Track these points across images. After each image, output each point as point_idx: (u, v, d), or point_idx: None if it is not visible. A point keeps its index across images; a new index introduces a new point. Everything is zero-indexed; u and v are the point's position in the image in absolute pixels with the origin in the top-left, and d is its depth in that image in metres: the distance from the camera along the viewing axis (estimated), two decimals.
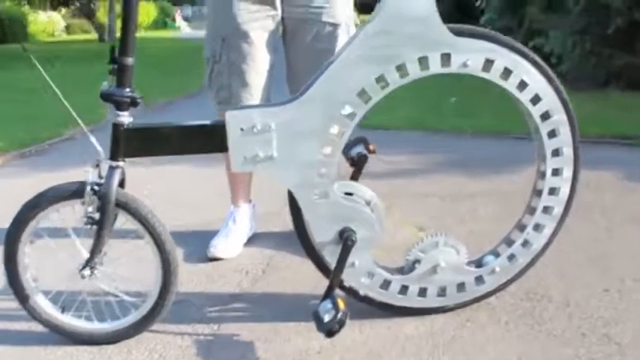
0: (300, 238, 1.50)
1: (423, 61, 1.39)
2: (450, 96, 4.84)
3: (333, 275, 1.46)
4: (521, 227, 1.59)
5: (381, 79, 1.39)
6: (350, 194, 1.49)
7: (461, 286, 1.57)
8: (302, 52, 1.92)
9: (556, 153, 1.52)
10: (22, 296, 1.43)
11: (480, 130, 3.83)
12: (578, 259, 1.89)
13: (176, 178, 2.89)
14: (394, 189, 2.60)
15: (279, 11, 1.89)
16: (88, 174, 1.34)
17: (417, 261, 1.54)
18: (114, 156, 1.36)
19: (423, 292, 1.56)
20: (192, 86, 6.18)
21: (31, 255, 1.42)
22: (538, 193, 1.56)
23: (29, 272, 1.43)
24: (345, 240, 1.44)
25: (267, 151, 1.39)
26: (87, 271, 1.40)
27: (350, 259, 1.49)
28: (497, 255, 1.59)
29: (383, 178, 2.73)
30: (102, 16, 17.10)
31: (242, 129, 1.37)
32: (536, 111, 1.47)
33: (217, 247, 1.97)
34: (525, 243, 1.58)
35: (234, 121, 1.37)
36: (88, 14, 17.56)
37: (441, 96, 4.88)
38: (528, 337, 1.49)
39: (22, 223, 1.39)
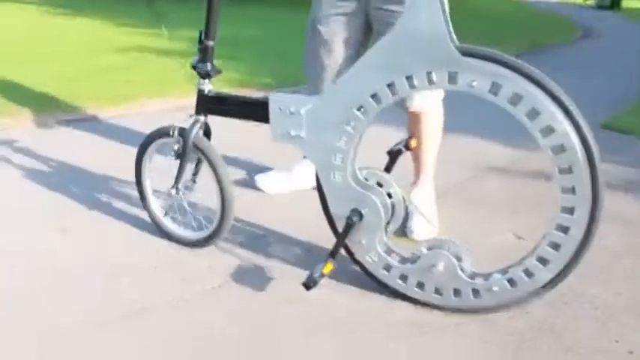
0: (322, 205, 1.76)
1: (430, 76, 1.48)
2: None
3: (335, 245, 1.70)
4: (533, 253, 1.56)
5: (391, 86, 1.53)
6: (380, 184, 1.68)
7: (457, 292, 1.64)
8: None
9: (570, 191, 1.45)
10: (142, 195, 2.04)
11: None
12: None
13: None
14: None
15: (365, 8, 2.06)
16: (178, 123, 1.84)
17: (419, 256, 1.67)
18: (197, 112, 1.83)
19: (420, 286, 1.69)
20: None
21: (150, 169, 2.00)
22: (553, 225, 1.51)
23: (148, 180, 2.02)
24: (347, 219, 1.67)
25: (298, 131, 1.67)
26: (174, 191, 1.92)
27: (358, 237, 1.71)
28: (503, 274, 1.60)
29: None
30: None
31: (280, 109, 1.68)
32: (548, 143, 1.42)
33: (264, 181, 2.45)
34: (529, 273, 1.56)
35: (274, 101, 1.69)
36: None
37: None
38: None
39: (145, 145, 1.97)
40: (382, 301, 1.75)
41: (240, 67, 4.94)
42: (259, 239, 2.08)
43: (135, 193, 2.09)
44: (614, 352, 1.54)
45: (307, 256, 1.97)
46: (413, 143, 1.73)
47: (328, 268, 1.65)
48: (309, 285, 1.63)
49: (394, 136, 1.95)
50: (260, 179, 2.47)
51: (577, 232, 1.47)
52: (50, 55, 5.20)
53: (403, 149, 1.72)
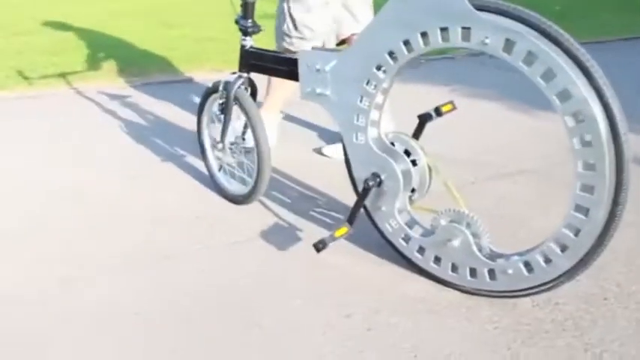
0: (347, 167, 1.72)
1: (444, 32, 1.37)
2: None
3: (352, 209, 1.65)
4: (553, 238, 1.38)
5: (407, 43, 1.44)
6: (407, 150, 1.60)
7: (473, 272, 1.52)
8: None
9: (591, 167, 1.26)
10: (202, 149, 2.13)
11: None
12: None
13: None
14: None
15: None
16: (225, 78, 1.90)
17: (437, 228, 1.56)
18: (240, 68, 1.87)
19: (437, 260, 1.58)
20: None
21: (207, 122, 2.09)
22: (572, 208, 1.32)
23: (207, 136, 2.10)
24: (365, 182, 1.61)
25: (323, 89, 1.64)
26: (220, 145, 1.99)
27: (378, 203, 1.64)
28: (521, 256, 1.44)
29: None
30: None
31: (307, 66, 1.66)
32: (564, 109, 1.25)
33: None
34: (548, 260, 1.39)
35: (302, 58, 1.66)
36: None
37: None
38: None
39: (202, 102, 2.06)
40: (397, 273, 1.67)
41: None
42: (305, 201, 2.09)
43: None
44: None
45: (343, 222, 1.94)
46: (444, 109, 1.61)
47: (341, 231, 1.61)
48: (317, 247, 1.60)
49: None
50: (326, 149, 2.47)
51: (598, 215, 1.28)
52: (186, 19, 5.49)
53: (434, 114, 1.62)
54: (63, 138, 2.69)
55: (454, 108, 1.63)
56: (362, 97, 1.57)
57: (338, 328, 1.44)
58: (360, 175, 1.66)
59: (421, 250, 1.61)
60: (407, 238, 1.63)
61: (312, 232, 1.86)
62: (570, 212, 1.32)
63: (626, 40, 5.22)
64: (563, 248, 1.36)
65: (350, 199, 1.73)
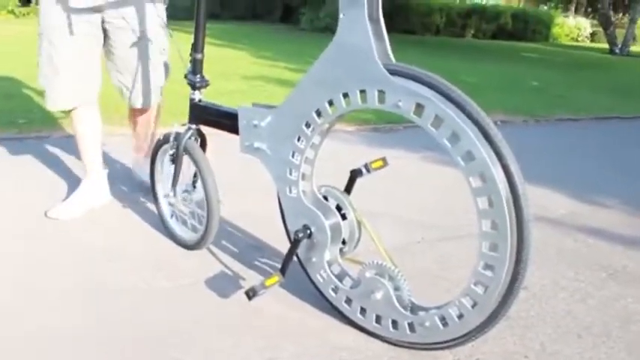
0: (282, 217, 1.78)
1: (362, 94, 1.45)
2: None
3: (284, 259, 1.70)
4: (464, 293, 1.43)
5: (331, 103, 1.52)
6: (338, 204, 1.67)
7: (395, 324, 1.56)
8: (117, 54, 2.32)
9: (493, 226, 1.32)
10: (155, 197, 2.19)
11: None
12: None
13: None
14: None
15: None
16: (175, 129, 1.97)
17: (361, 280, 1.61)
18: (189, 120, 1.95)
19: (363, 312, 1.62)
20: None
21: (161, 172, 2.16)
22: (479, 263, 1.38)
23: (160, 184, 2.17)
24: (295, 234, 1.66)
25: (260, 143, 1.71)
26: (171, 193, 2.05)
27: (309, 254, 1.70)
28: (438, 309, 1.49)
29: None
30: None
31: (246, 122, 1.73)
32: (467, 170, 1.32)
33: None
34: (460, 315, 1.43)
35: (242, 113, 1.74)
36: (604, 23, 16.40)
37: None
38: None
39: (155, 151, 2.13)
40: (329, 322, 1.71)
41: None
42: (253, 251, 2.14)
43: None
44: None
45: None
46: (374, 165, 1.68)
47: (272, 280, 1.65)
48: (248, 294, 1.65)
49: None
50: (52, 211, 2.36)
51: (502, 273, 1.33)
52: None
53: (364, 170, 1.69)
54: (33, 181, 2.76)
55: (385, 164, 1.70)
56: (294, 153, 1.64)
57: None
58: (293, 226, 1.72)
59: (348, 301, 1.66)
60: (336, 289, 1.68)
61: (254, 280, 1.91)
62: (478, 269, 1.37)
63: (598, 119, 5.41)
64: (474, 304, 1.41)
65: None
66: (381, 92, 1.41)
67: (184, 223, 2.13)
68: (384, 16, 1.42)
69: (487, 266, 1.36)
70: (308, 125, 1.59)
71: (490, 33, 17.13)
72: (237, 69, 6.63)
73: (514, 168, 1.28)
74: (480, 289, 1.39)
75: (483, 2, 20.06)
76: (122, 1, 2.20)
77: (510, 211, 1.29)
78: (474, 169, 1.31)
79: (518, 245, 1.30)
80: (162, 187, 2.17)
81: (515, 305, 1.53)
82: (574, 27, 20.57)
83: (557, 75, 8.55)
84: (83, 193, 2.41)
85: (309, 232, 1.66)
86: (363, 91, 1.44)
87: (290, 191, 1.69)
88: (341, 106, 1.50)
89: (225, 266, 2.01)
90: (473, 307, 1.41)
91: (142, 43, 2.27)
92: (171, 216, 2.17)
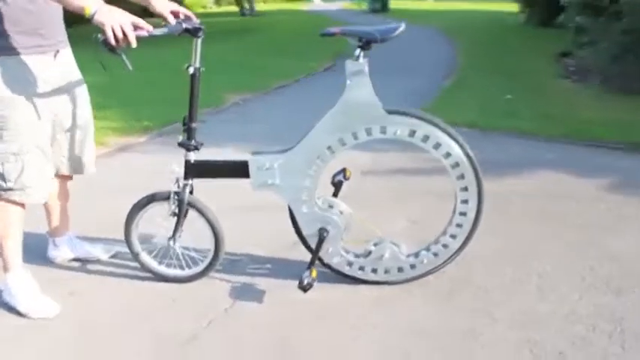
0: (295, 231, 2.41)
1: (368, 130, 2.21)
2: None
3: (312, 256, 2.36)
4: (444, 232, 2.38)
5: (341, 140, 2.23)
6: (331, 206, 2.37)
7: (400, 269, 2.41)
8: None
9: (464, 189, 2.28)
10: (135, 252, 2.49)
11: None
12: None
13: None
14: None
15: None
16: (173, 186, 2.34)
17: (370, 251, 2.40)
18: (186, 177, 2.35)
19: (374, 271, 2.42)
20: None
21: (139, 229, 2.47)
22: (455, 212, 2.33)
23: (136, 238, 2.47)
24: (320, 235, 2.34)
25: (273, 180, 2.30)
26: (172, 241, 2.42)
27: (325, 247, 2.39)
28: (428, 250, 2.40)
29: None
30: None
31: (257, 167, 2.29)
32: (447, 162, 2.24)
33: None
34: (445, 245, 2.37)
35: (253, 162, 2.29)
36: None
37: None
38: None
39: (135, 212, 2.43)
40: (348, 288, 2.45)
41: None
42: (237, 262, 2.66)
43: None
44: None
45: (275, 271, 2.60)
46: (348, 173, 2.44)
47: (314, 273, 2.30)
48: (305, 289, 2.26)
49: None
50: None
51: (472, 215, 2.31)
52: None
53: (343, 179, 2.42)
54: None
55: (349, 173, 2.46)
56: (306, 179, 2.29)
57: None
58: (310, 232, 2.37)
59: (362, 268, 2.42)
60: (350, 264, 2.42)
61: (265, 283, 2.48)
62: (456, 215, 2.32)
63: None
64: (454, 236, 2.35)
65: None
66: (383, 127, 2.19)
67: (179, 262, 2.49)
68: None
69: (462, 213, 2.31)
70: (319, 157, 2.25)
71: None
72: None
73: (472, 154, 2.24)
74: (456, 229, 2.33)
75: None
76: None
77: (474, 179, 2.25)
78: (451, 161, 2.23)
79: (479, 197, 2.28)
80: (140, 243, 2.48)
81: None
82: None
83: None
84: (24, 289, 2.31)
85: (327, 230, 2.34)
86: (368, 129, 2.19)
87: (303, 208, 2.33)
88: (350, 141, 2.22)
89: (236, 282, 2.51)
90: (453, 238, 2.35)
91: None
92: (160, 263, 2.50)
